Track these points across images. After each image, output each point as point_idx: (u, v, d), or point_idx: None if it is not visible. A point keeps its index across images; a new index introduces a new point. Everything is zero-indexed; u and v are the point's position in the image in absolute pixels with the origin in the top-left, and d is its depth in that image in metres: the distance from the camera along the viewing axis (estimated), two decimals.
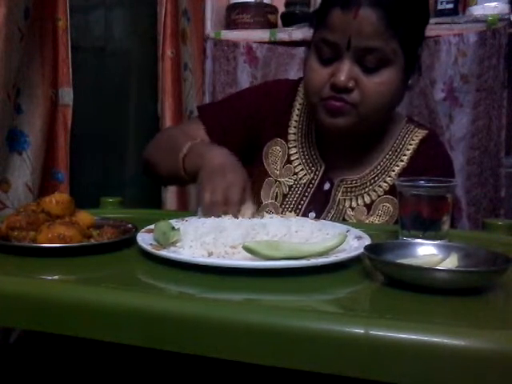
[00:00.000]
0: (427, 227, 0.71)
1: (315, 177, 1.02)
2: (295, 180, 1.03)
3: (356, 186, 1.00)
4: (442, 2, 1.58)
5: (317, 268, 0.59)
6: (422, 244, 0.63)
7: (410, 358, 0.42)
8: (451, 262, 0.57)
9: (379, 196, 0.98)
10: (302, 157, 1.04)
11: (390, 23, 0.86)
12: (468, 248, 0.61)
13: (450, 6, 1.57)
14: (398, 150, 1.01)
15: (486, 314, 0.50)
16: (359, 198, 0.99)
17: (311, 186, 1.01)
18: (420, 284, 0.52)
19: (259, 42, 1.73)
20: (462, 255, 0.58)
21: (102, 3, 1.48)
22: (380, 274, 0.57)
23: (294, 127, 1.06)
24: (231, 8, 1.80)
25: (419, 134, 1.02)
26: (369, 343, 0.43)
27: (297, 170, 1.03)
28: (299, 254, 0.60)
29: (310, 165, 1.03)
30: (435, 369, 0.41)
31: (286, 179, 1.03)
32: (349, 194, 0.99)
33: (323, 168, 1.02)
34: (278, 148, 1.06)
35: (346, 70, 0.89)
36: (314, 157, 1.03)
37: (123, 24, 1.57)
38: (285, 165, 1.04)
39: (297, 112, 1.06)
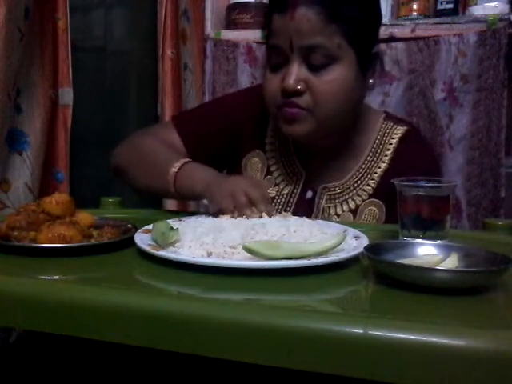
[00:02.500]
0: (427, 227, 0.71)
1: (297, 186, 1.00)
2: (277, 191, 1.01)
3: (339, 193, 0.98)
4: (442, 2, 1.57)
5: (316, 268, 0.59)
6: (422, 244, 0.63)
7: (410, 358, 0.42)
8: (451, 262, 0.57)
9: (364, 200, 0.96)
10: (282, 167, 1.02)
11: (331, 18, 0.85)
12: (468, 248, 0.61)
13: (450, 6, 1.57)
14: (379, 150, 0.99)
15: (486, 314, 0.50)
16: (344, 203, 0.97)
17: (293, 195, 1.00)
18: (420, 284, 0.52)
19: (259, 42, 1.73)
20: (462, 255, 0.58)
21: (102, 3, 1.48)
22: (380, 274, 0.57)
23: (272, 137, 1.04)
24: (231, 8, 1.80)
25: (398, 132, 0.99)
26: (368, 343, 0.43)
27: (278, 181, 1.01)
28: (299, 253, 0.60)
29: (291, 174, 1.01)
30: (435, 369, 0.41)
31: (268, 191, 1.00)
32: (333, 201, 0.98)
33: (304, 176, 1.00)
34: (256, 160, 1.03)
35: (293, 73, 0.87)
36: (294, 166, 1.01)
37: (123, 24, 1.57)
38: (265, 177, 1.02)
39: (273, 122, 1.03)
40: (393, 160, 0.98)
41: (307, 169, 1.01)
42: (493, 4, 1.52)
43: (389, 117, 1.03)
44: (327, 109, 0.89)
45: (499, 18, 1.48)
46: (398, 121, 1.03)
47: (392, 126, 1.01)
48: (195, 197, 0.92)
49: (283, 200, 1.00)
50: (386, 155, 0.98)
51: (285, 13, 0.87)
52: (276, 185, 1.01)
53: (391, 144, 0.99)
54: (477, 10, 1.54)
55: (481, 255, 0.59)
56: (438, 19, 1.55)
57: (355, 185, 0.98)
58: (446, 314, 0.50)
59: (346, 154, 0.99)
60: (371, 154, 0.99)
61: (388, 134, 1.00)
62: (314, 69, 0.87)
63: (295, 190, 1.00)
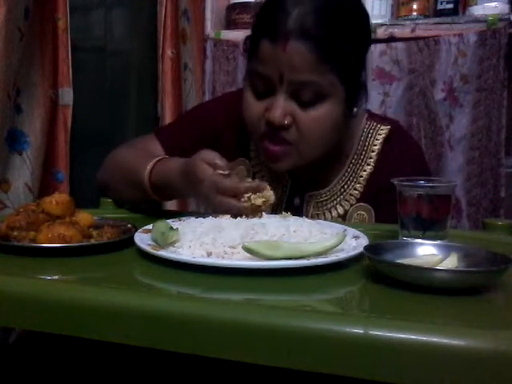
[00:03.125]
0: (427, 227, 0.71)
1: (283, 193, 0.99)
2: None
3: (326, 200, 0.97)
4: (442, 2, 1.58)
5: (316, 268, 0.59)
6: (422, 244, 0.63)
7: (410, 358, 0.42)
8: (451, 262, 0.57)
9: (352, 205, 0.95)
10: (267, 174, 1.00)
11: (324, 56, 0.81)
12: (468, 248, 0.61)
13: (450, 5, 1.57)
14: (363, 152, 0.97)
15: (486, 314, 0.50)
16: (332, 210, 0.96)
17: (280, 203, 0.98)
18: (420, 284, 0.52)
19: None
20: (461, 255, 0.58)
21: (102, 3, 1.48)
22: (380, 274, 0.57)
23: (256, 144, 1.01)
24: (231, 8, 1.80)
25: (382, 132, 0.97)
26: (368, 343, 0.43)
27: None
28: (298, 253, 0.60)
29: (277, 181, 0.99)
30: (435, 369, 0.41)
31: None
32: (320, 208, 0.97)
33: (290, 184, 0.99)
34: (241, 168, 1.01)
35: (280, 107, 0.84)
36: (279, 173, 0.99)
37: (123, 24, 1.57)
38: None
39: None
40: (378, 162, 0.96)
41: (293, 176, 0.99)
42: (493, 4, 1.52)
43: (371, 116, 1.01)
44: (312, 144, 0.87)
45: (499, 17, 1.48)
46: (381, 120, 1.00)
47: (375, 126, 0.98)
48: (173, 196, 0.92)
49: (271, 207, 0.98)
50: (370, 157, 0.96)
51: (276, 42, 0.82)
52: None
53: (375, 145, 0.96)
54: (477, 10, 1.54)
55: (481, 255, 0.59)
56: (437, 19, 1.56)
57: (342, 190, 0.96)
58: (446, 314, 0.50)
59: (330, 161, 0.97)
60: (356, 157, 0.97)
61: (372, 134, 0.97)
62: (302, 104, 0.84)
63: (282, 198, 0.99)
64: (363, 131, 0.98)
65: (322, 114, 0.85)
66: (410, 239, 0.70)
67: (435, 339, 0.41)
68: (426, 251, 0.61)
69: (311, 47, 0.81)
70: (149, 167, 0.89)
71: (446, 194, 0.72)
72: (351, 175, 0.96)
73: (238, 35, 1.74)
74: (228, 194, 0.77)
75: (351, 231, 0.73)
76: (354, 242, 0.68)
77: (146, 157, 0.94)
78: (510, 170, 1.53)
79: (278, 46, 0.82)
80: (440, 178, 0.76)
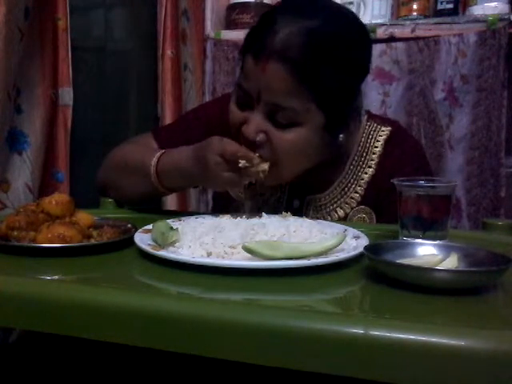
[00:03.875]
0: (427, 227, 0.71)
1: (283, 195, 0.98)
2: (263, 201, 0.98)
3: (326, 203, 0.95)
4: (442, 2, 1.58)
5: (316, 268, 0.59)
6: (422, 244, 0.63)
7: (410, 358, 0.42)
8: (451, 262, 0.57)
9: (352, 208, 0.94)
10: None
11: (302, 81, 0.79)
12: (468, 248, 0.61)
13: (450, 5, 1.57)
14: (364, 154, 0.95)
15: (486, 314, 0.50)
16: (332, 213, 0.95)
17: (279, 205, 0.98)
18: (420, 284, 0.52)
19: None
20: (462, 255, 0.58)
21: (102, 3, 1.48)
22: (380, 274, 0.57)
23: None
24: (231, 8, 1.80)
25: (383, 133, 0.96)
26: (368, 343, 0.42)
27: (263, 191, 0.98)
28: (299, 253, 0.60)
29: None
30: (435, 369, 0.41)
31: (253, 201, 0.97)
32: (320, 211, 0.95)
33: (288, 186, 0.98)
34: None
35: (254, 123, 0.84)
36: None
37: (123, 24, 1.57)
38: (249, 186, 0.94)
39: None
40: (379, 164, 0.94)
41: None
42: (493, 4, 1.52)
43: (371, 117, 0.99)
44: (288, 164, 0.86)
45: (499, 17, 1.48)
46: (382, 121, 0.99)
47: (376, 127, 0.97)
48: (179, 185, 0.93)
49: (270, 210, 0.96)
50: (372, 159, 0.95)
51: (257, 61, 0.81)
52: (261, 194, 0.99)
53: (376, 147, 0.95)
54: (477, 10, 1.54)
55: (481, 255, 0.59)
56: (437, 19, 1.56)
57: (342, 193, 0.95)
58: (446, 314, 0.50)
59: (330, 164, 0.94)
60: (356, 158, 0.96)
61: (372, 135, 0.96)
62: (277, 125, 0.83)
63: (281, 200, 0.99)
64: (363, 133, 0.97)
65: (295, 138, 0.83)
66: (410, 239, 0.70)
67: (435, 339, 0.41)
68: (426, 251, 0.61)
69: (290, 71, 0.79)
70: (155, 158, 0.90)
71: (445, 194, 0.72)
72: (352, 177, 0.95)
73: (238, 35, 1.74)
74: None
75: (351, 231, 0.73)
76: (354, 242, 0.68)
77: (149, 150, 0.95)
78: (510, 170, 1.53)
79: (259, 64, 0.81)
80: (440, 178, 0.75)
